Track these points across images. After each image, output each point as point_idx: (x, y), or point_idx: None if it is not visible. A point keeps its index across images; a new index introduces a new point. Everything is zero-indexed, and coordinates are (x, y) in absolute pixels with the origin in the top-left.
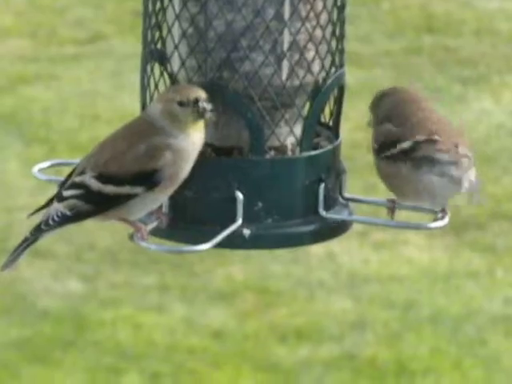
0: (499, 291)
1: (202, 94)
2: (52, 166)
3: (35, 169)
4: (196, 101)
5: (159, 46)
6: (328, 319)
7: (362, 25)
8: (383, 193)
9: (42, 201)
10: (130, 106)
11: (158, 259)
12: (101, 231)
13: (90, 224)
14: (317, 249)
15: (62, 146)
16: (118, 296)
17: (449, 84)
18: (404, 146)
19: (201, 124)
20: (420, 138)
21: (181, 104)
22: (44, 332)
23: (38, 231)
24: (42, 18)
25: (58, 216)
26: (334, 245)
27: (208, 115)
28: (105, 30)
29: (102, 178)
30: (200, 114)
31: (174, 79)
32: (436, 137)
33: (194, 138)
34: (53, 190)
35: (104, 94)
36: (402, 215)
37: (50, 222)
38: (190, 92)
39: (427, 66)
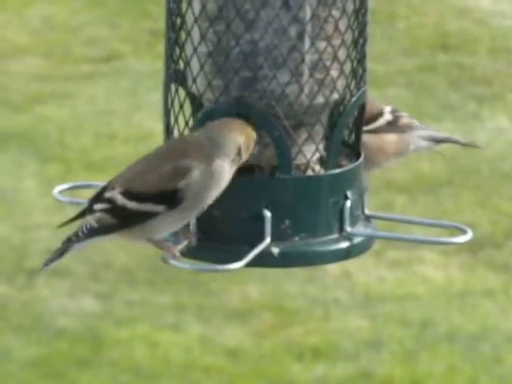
0: None
1: None
2: (71, 188)
3: (55, 190)
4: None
5: (180, 66)
6: (344, 337)
7: (376, 43)
8: (399, 210)
9: (59, 220)
10: (146, 125)
11: (174, 278)
12: (117, 250)
13: (106, 243)
14: (332, 267)
15: (77, 165)
16: (134, 314)
17: (463, 102)
18: (389, 119)
19: None
20: (387, 108)
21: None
22: (60, 351)
23: (68, 242)
24: (57, 37)
25: (86, 228)
26: (350, 263)
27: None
28: (120, 48)
29: (128, 193)
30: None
31: (197, 100)
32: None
33: (233, 169)
34: (69, 209)
35: (120, 113)
36: (417, 231)
37: (80, 233)
38: (253, 131)
39: (442, 84)
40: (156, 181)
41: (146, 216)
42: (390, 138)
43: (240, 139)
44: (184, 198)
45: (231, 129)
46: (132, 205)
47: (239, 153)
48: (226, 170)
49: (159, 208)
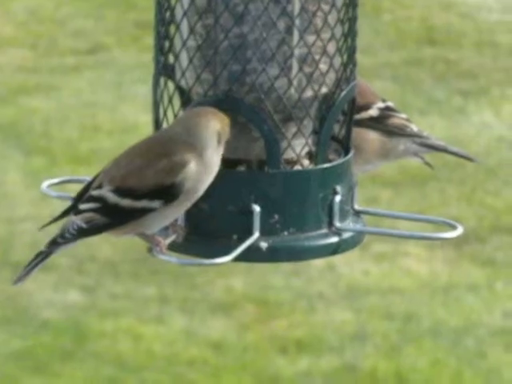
0: (499, 304)
1: None
2: (60, 183)
3: (44, 185)
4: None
5: (170, 59)
6: (328, 331)
7: (362, 36)
8: (385, 204)
9: (43, 212)
10: (131, 117)
11: (158, 271)
12: (102, 243)
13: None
14: (317, 260)
15: (62, 157)
16: (118, 307)
17: (449, 96)
18: (373, 114)
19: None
20: (378, 104)
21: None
22: (44, 343)
23: (53, 245)
24: (42, 29)
25: (74, 229)
26: (334, 256)
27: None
28: (105, 40)
29: (120, 191)
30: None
31: (186, 93)
32: (391, 104)
33: (220, 156)
34: (54, 202)
35: (105, 105)
36: (403, 225)
37: (67, 234)
38: (226, 116)
39: (428, 77)
40: (152, 177)
41: (141, 213)
42: (372, 136)
43: (217, 126)
44: (181, 191)
45: (207, 118)
46: (126, 202)
47: (220, 140)
48: (215, 160)
49: (155, 204)
